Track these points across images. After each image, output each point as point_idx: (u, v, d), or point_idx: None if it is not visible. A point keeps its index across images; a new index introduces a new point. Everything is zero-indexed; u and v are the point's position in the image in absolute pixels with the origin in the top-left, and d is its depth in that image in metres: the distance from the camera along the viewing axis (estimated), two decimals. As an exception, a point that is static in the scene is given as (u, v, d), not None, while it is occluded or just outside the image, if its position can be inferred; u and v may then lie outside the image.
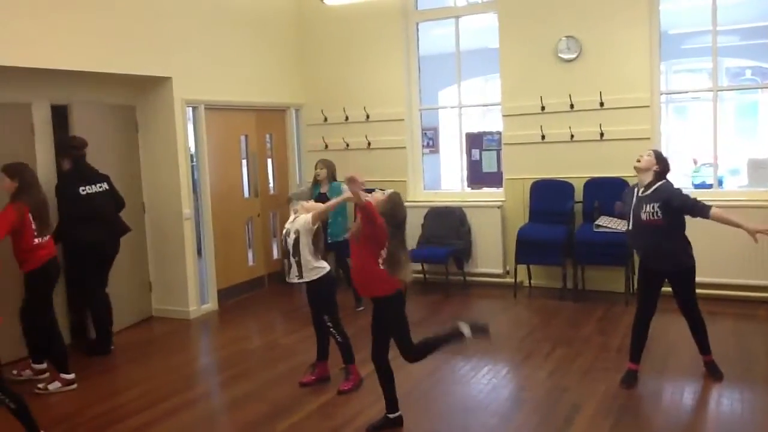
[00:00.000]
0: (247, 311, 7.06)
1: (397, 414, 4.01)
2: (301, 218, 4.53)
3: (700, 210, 4.21)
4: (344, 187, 5.61)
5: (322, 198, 6.46)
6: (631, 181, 6.54)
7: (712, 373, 4.53)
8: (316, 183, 6.80)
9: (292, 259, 4.53)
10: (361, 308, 6.47)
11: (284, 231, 4.63)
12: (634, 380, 4.51)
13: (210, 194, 7.07)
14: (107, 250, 5.78)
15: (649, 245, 4.40)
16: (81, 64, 5.63)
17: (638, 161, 4.47)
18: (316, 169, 6.78)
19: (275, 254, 8.19)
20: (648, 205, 4.30)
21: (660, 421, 4.02)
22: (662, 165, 4.43)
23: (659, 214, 4.26)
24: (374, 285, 3.90)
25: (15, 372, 5.08)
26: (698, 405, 4.23)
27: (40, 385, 4.95)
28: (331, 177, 6.67)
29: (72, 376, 5.00)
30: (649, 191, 4.37)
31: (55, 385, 4.94)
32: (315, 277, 4.56)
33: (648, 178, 4.42)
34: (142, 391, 4.88)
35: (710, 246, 6.22)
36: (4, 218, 4.67)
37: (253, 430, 4.15)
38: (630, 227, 4.48)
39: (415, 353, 4.00)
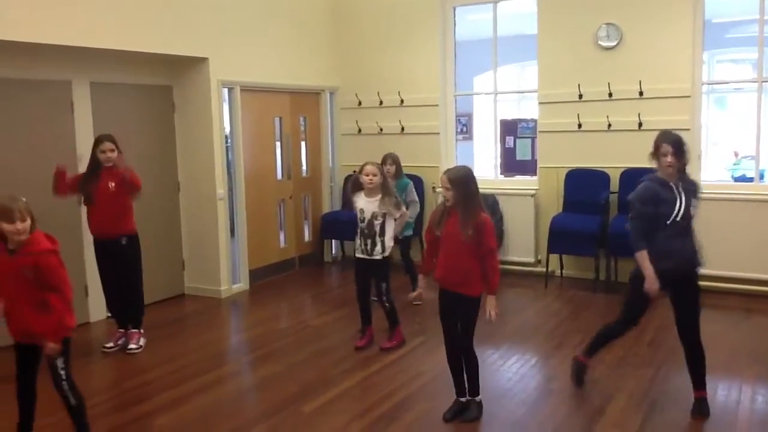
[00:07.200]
0: (277, 292, 7.11)
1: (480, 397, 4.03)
2: (387, 204, 5.01)
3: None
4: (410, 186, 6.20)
5: None
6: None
7: (700, 411, 3.96)
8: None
9: (377, 239, 5.05)
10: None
11: (359, 210, 5.07)
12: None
13: (244, 175, 7.13)
14: None
15: (687, 244, 3.98)
16: (120, 43, 5.69)
17: (669, 165, 3.87)
18: (385, 164, 6.19)
19: (307, 237, 8.24)
20: (693, 200, 3.93)
21: (692, 418, 3.95)
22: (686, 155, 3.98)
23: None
24: (474, 285, 3.85)
25: (134, 345, 5.31)
26: (732, 402, 4.15)
27: (133, 346, 5.26)
28: (400, 172, 6.29)
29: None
30: (683, 184, 3.94)
31: (143, 340, 5.35)
32: (389, 253, 5.14)
33: (675, 174, 3.93)
34: (173, 367, 4.96)
35: (746, 239, 6.13)
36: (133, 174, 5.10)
37: (282, 410, 4.19)
38: (666, 228, 3.95)
39: (471, 349, 3.94)
